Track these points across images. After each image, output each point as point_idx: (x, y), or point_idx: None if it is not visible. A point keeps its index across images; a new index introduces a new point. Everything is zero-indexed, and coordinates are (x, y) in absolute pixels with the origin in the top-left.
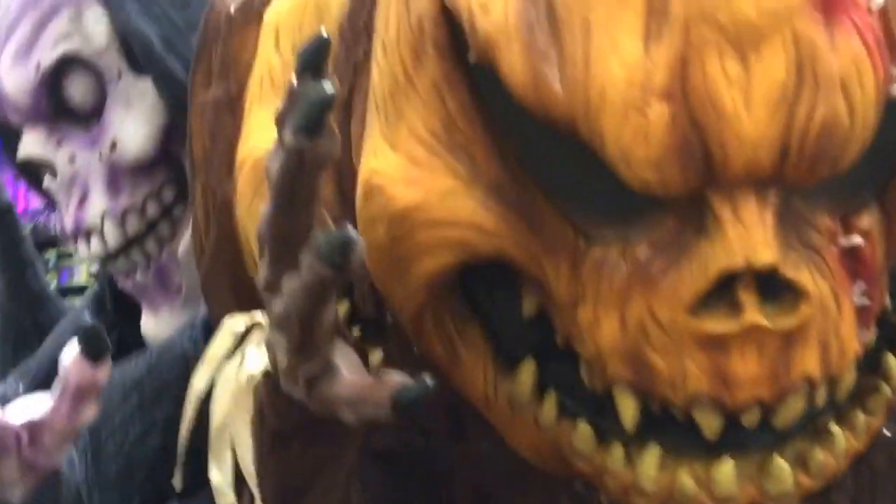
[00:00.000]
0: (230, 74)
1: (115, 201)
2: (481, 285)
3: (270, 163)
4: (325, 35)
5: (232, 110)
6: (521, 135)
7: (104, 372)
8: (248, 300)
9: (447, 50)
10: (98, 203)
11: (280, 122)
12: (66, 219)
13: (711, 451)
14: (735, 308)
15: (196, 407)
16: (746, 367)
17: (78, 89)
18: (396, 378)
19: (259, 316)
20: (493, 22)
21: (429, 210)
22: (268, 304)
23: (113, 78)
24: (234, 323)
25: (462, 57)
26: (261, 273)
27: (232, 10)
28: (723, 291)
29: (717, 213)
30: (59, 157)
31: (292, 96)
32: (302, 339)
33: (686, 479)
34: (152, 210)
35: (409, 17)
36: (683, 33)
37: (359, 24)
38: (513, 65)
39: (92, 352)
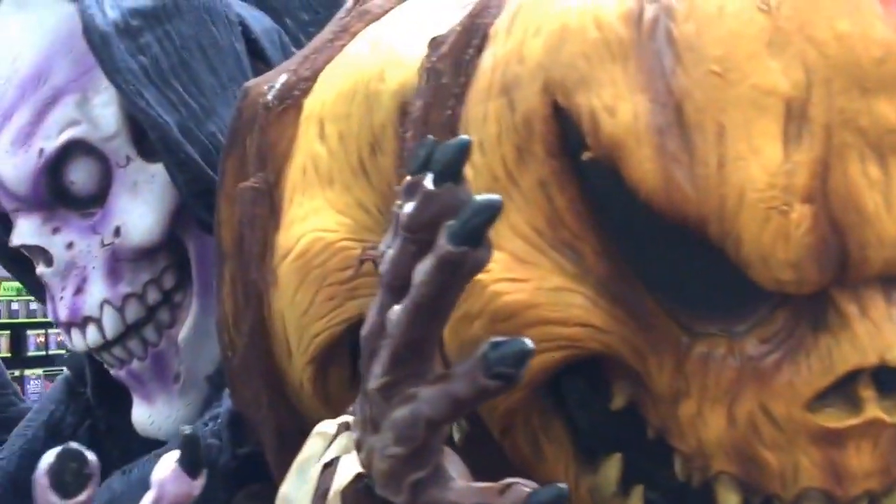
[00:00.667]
0: (267, 163)
1: (115, 289)
2: (566, 379)
3: (395, 266)
4: (467, 139)
5: (269, 199)
6: (630, 232)
7: (200, 484)
8: (279, 391)
9: (557, 148)
10: (97, 291)
11: (416, 225)
12: (59, 308)
13: None
14: (854, 403)
15: None
16: (861, 461)
17: (81, 175)
18: (522, 483)
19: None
20: (621, 124)
21: (538, 308)
22: (377, 407)
23: (120, 163)
24: (325, 426)
25: (570, 155)
26: (373, 375)
27: (269, 98)
28: (839, 386)
29: (843, 310)
30: (56, 244)
31: (436, 200)
32: (423, 445)
33: None
34: (152, 296)
35: (513, 116)
36: (825, 137)
37: (438, 120)
38: (642, 166)
39: (191, 464)
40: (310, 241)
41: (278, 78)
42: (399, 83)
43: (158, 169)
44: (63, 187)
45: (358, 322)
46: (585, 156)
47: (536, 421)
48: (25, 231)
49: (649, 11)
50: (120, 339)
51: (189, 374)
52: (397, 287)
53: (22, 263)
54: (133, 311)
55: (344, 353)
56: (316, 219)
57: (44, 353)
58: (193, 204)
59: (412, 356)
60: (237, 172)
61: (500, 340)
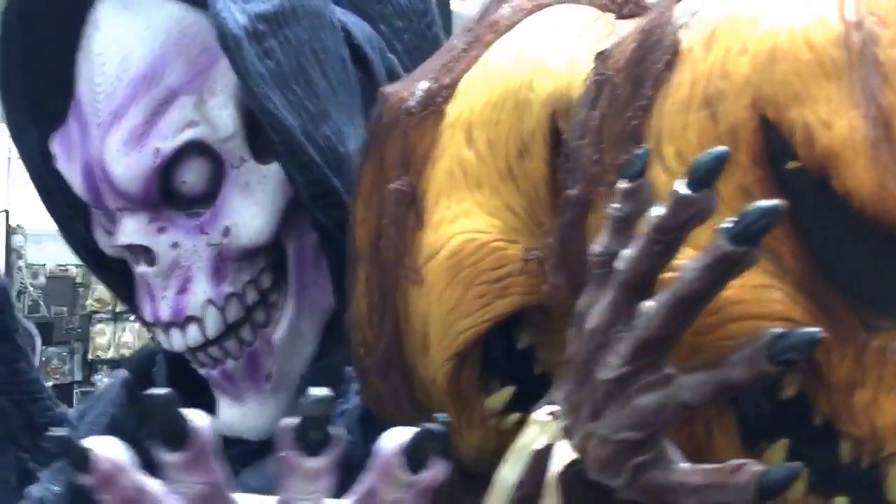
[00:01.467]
0: (410, 167)
1: (218, 288)
2: None
3: (637, 264)
4: (726, 150)
5: (413, 201)
6: (825, 235)
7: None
8: (418, 387)
9: (761, 158)
10: (201, 291)
11: (669, 228)
12: (161, 307)
13: None
14: None
15: (510, 498)
16: None
17: (193, 175)
18: (752, 463)
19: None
20: (838, 137)
21: (744, 304)
22: (602, 395)
23: (234, 164)
24: (540, 414)
25: (773, 164)
26: (606, 366)
27: (412, 104)
28: None
29: None
30: (161, 243)
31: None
32: (661, 430)
33: None
34: (251, 297)
35: (716, 127)
36: None
37: (618, 129)
38: (858, 176)
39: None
40: (462, 242)
41: (418, 84)
42: (548, 93)
43: (270, 170)
44: (172, 187)
45: (503, 320)
46: (792, 165)
47: (713, 411)
48: (131, 230)
49: (856, 37)
50: (218, 338)
51: (281, 374)
52: (636, 285)
53: (104, 261)
54: (233, 311)
55: (478, 350)
56: (466, 220)
57: None
58: (311, 205)
59: (658, 348)
60: (375, 175)
61: (786, 330)
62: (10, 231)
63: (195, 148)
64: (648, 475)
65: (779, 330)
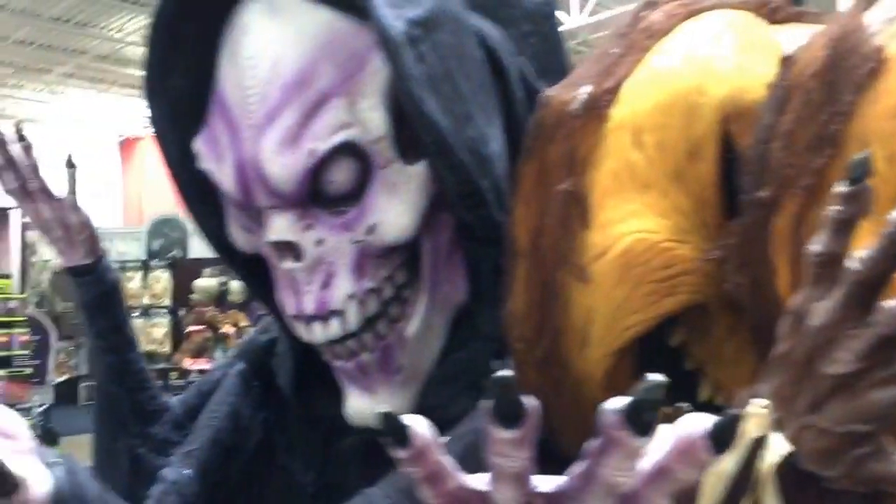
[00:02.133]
0: (575, 168)
1: (359, 283)
2: None
3: (874, 265)
4: (868, 154)
5: (579, 201)
6: None
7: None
8: (573, 382)
9: None
10: (344, 286)
11: None
12: (306, 301)
13: None
14: None
15: (728, 488)
16: None
17: (341, 175)
18: None
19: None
20: None
21: None
22: (824, 389)
23: (381, 164)
24: (753, 407)
25: None
26: (838, 361)
27: (574, 107)
28: None
29: None
30: (307, 240)
31: None
32: (887, 424)
33: None
34: (387, 292)
35: None
36: None
37: (813, 133)
38: None
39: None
40: (634, 241)
41: (579, 89)
42: (720, 97)
43: (415, 171)
44: (320, 186)
45: (667, 317)
46: None
47: None
48: (281, 227)
49: None
50: (357, 331)
51: (411, 367)
52: (872, 284)
53: (236, 256)
54: (372, 306)
55: (635, 346)
56: (636, 221)
57: None
58: (457, 205)
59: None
60: (537, 176)
61: None
62: (24, 227)
63: (346, 149)
64: (868, 466)
65: None
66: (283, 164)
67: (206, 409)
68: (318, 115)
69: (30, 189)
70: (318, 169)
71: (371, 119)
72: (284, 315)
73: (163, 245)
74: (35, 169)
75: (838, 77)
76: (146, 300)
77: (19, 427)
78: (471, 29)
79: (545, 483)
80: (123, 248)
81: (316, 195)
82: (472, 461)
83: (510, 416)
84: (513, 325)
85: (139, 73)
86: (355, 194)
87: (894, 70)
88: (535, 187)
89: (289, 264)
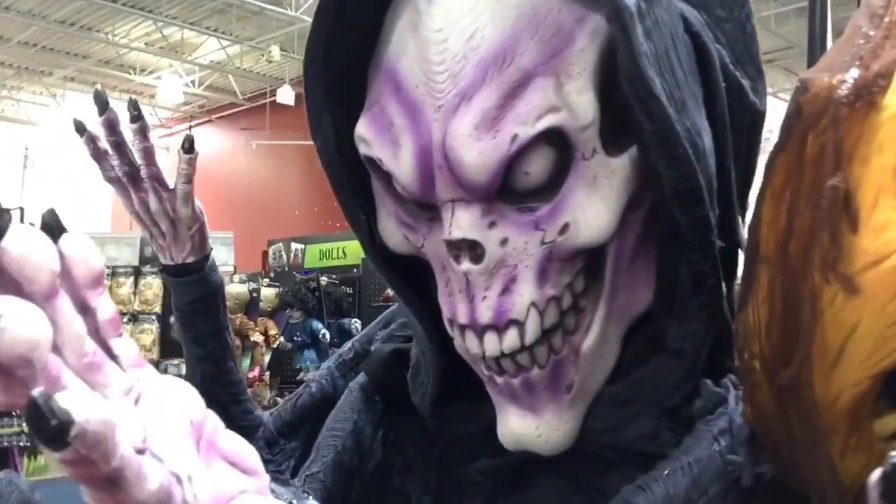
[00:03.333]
0: (842, 162)
1: (542, 290)
2: None
3: None
4: None
5: (847, 199)
6: None
7: None
8: (808, 406)
9: None
10: (527, 292)
11: None
12: (481, 308)
13: None
14: None
15: None
16: None
17: (539, 165)
18: None
19: None
20: None
21: None
22: None
23: (585, 156)
24: None
25: None
26: None
27: (843, 93)
28: None
29: None
30: (491, 239)
31: None
32: None
33: None
34: (566, 301)
35: None
36: None
37: None
38: None
39: None
40: None
41: (844, 73)
42: None
43: (619, 164)
44: (511, 178)
45: None
46: None
47: None
48: (464, 223)
49: None
50: (533, 345)
51: (582, 385)
52: None
53: (391, 261)
54: (551, 316)
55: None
56: None
57: None
58: (673, 202)
59: None
60: (791, 170)
61: None
62: None
63: (550, 136)
64: None
65: None
66: (479, 151)
67: (326, 427)
68: (521, 96)
69: (141, 176)
70: (517, 158)
71: (580, 103)
72: (451, 324)
73: (155, 251)
74: (150, 154)
75: None
76: (136, 306)
77: (257, 461)
78: (676, 8)
79: None
80: (115, 253)
81: (503, 188)
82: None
83: None
84: (747, 341)
85: (140, 79)
86: (548, 189)
87: None
88: (789, 183)
89: (467, 266)
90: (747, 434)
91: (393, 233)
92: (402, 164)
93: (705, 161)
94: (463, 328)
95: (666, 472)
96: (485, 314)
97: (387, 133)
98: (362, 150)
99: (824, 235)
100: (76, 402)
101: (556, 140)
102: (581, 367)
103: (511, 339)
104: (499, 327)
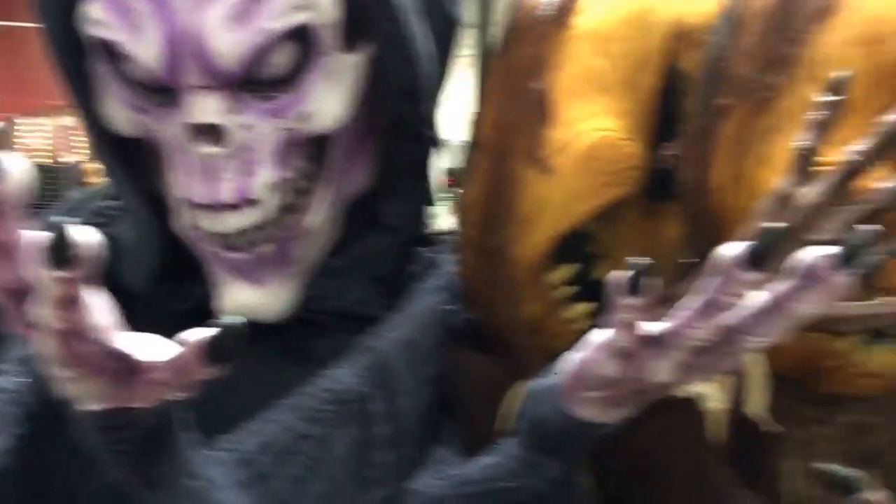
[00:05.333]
0: (542, 69)
1: (279, 172)
2: None
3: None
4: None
5: (544, 100)
6: None
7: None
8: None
9: None
10: (267, 174)
11: None
12: (223, 188)
13: None
14: None
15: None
16: None
17: (282, 58)
18: None
19: None
20: None
21: None
22: None
23: (324, 51)
24: None
25: None
26: (828, 231)
27: (543, 13)
28: None
29: None
30: (233, 124)
31: None
32: None
33: None
34: (300, 183)
35: (873, 61)
36: None
37: (772, 54)
38: None
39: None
40: (598, 138)
41: None
42: (668, 18)
43: (355, 60)
44: (256, 68)
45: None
46: None
47: None
48: (207, 109)
49: None
50: (269, 222)
51: (305, 259)
52: (855, 173)
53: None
54: (287, 196)
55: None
56: (597, 120)
57: None
58: (398, 98)
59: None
60: (503, 75)
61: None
62: None
63: (297, 31)
64: None
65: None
66: (230, 41)
67: None
68: None
69: None
70: (264, 50)
71: (325, 3)
72: (181, 203)
73: None
74: None
75: (794, 9)
76: None
77: None
78: None
79: (654, 326)
80: None
81: (248, 77)
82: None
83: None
84: (466, 213)
85: None
86: (289, 80)
87: (848, 5)
88: (504, 85)
89: (208, 149)
90: (458, 290)
91: (120, 113)
92: (146, 49)
93: (430, 64)
94: (198, 207)
95: (396, 321)
96: (226, 194)
97: (127, 17)
98: (92, 31)
99: (526, 128)
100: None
101: (301, 35)
102: (306, 242)
103: (250, 217)
104: (239, 206)
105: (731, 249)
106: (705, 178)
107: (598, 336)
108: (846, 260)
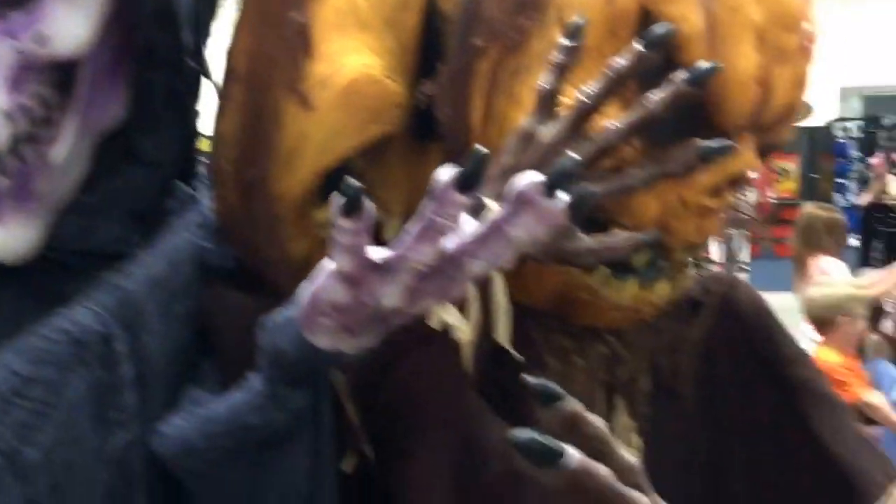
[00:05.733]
0: (302, 2)
1: (13, 98)
2: None
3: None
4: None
5: (304, 32)
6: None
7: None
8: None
9: (635, 34)
10: None
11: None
12: None
13: None
14: None
15: None
16: None
17: None
18: None
19: None
20: (692, 27)
21: None
22: None
23: None
24: None
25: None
26: None
27: None
28: None
29: None
30: None
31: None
32: None
33: None
34: (38, 111)
35: (611, 7)
36: None
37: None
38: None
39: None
40: (359, 74)
41: None
42: None
43: None
44: None
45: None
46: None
47: None
48: None
49: None
50: (2, 153)
51: (50, 195)
52: (590, 112)
53: None
54: (21, 125)
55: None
56: (358, 56)
57: None
58: (150, 24)
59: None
60: (260, 5)
61: None
62: None
63: None
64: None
65: None
66: None
67: None
68: None
69: None
70: None
71: None
72: None
73: None
74: None
75: None
76: None
77: None
78: None
79: (377, 252)
80: None
81: None
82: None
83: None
84: (222, 147)
85: None
86: None
87: None
88: (259, 15)
89: None
90: (215, 225)
91: None
92: None
93: None
94: None
95: (146, 258)
96: None
97: None
98: None
99: (286, 60)
100: None
101: None
102: (49, 177)
103: None
104: None
105: (443, 174)
106: (463, 116)
107: (328, 263)
108: (551, 186)
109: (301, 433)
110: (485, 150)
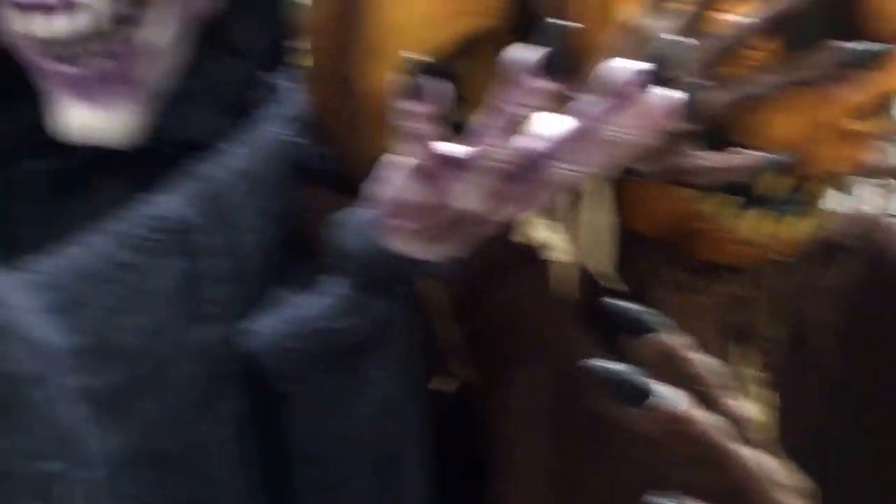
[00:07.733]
0: None
1: None
2: None
3: None
4: None
5: None
6: None
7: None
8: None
9: None
10: None
11: None
12: None
13: None
14: None
15: None
16: None
17: None
18: None
19: None
20: None
21: None
22: None
23: None
24: None
25: None
26: None
27: None
28: None
29: None
30: None
31: None
32: None
33: None
34: None
35: None
36: None
37: None
38: None
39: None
40: None
41: None
42: None
43: None
44: None
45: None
46: None
47: None
48: None
49: None
50: (104, 32)
51: (152, 81)
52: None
53: None
54: (123, 4)
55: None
56: None
57: None
58: None
59: None
60: None
61: None
62: None
63: None
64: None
65: None
66: None
67: None
68: None
69: None
70: None
71: None
72: (9, 4)
73: None
74: None
75: None
76: None
77: None
78: None
79: (450, 146)
80: None
81: None
82: None
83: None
84: (313, 37)
85: None
86: None
87: None
88: None
89: None
90: (307, 121)
91: None
92: None
93: None
94: (20, 7)
95: (235, 151)
96: None
97: None
98: None
99: None
100: None
101: None
102: (151, 62)
103: (82, 20)
104: (65, 7)
105: (518, 53)
106: (565, 9)
107: (398, 159)
108: (657, 77)
109: (389, 345)
110: (561, 22)
